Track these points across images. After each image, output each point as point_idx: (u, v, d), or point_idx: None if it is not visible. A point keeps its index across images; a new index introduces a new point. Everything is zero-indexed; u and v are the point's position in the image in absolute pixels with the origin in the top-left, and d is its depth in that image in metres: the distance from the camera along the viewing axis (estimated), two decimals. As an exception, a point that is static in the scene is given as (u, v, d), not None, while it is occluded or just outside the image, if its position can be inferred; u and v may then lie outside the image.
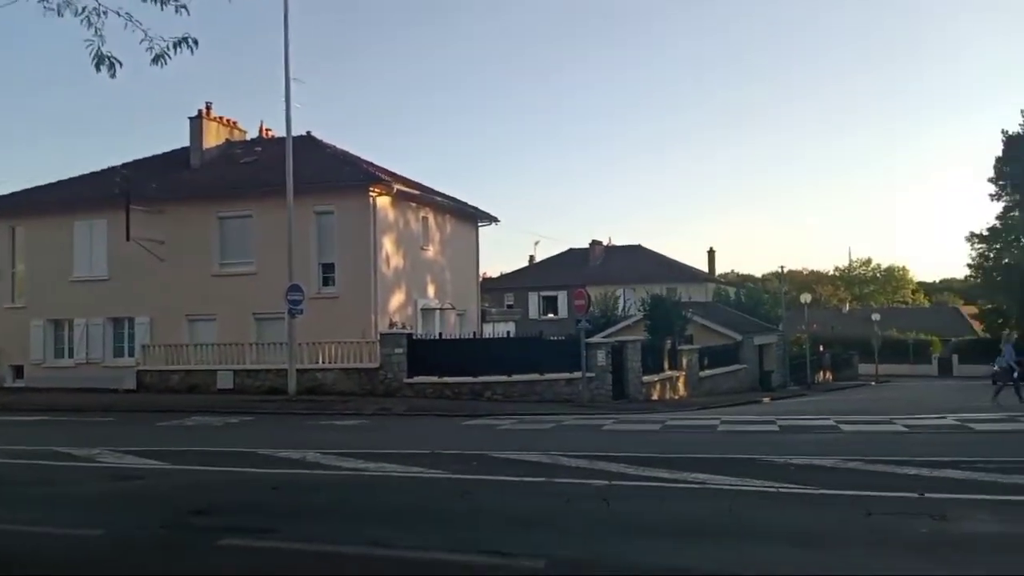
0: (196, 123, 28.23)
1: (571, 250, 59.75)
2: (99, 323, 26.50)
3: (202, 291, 25.24)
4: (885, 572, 4.97)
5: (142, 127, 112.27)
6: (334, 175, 25.33)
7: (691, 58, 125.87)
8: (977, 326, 63.67)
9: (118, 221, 24.88)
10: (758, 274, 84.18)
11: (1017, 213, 44.46)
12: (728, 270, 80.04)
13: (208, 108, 28.52)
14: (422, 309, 27.23)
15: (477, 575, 5.35)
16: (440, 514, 7.29)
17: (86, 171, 29.11)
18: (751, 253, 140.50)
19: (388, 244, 25.34)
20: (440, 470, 9.31)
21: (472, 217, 31.38)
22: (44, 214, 27.28)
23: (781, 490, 7.73)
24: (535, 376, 21.56)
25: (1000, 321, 49.93)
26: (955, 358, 63.24)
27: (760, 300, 51.97)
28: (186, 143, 28.71)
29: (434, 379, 21.80)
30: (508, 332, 29.27)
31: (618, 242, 59.23)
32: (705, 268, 59.04)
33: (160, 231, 25.45)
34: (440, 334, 25.14)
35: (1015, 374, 18.82)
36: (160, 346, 24.60)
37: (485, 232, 31.98)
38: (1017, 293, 38.04)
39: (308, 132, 27.95)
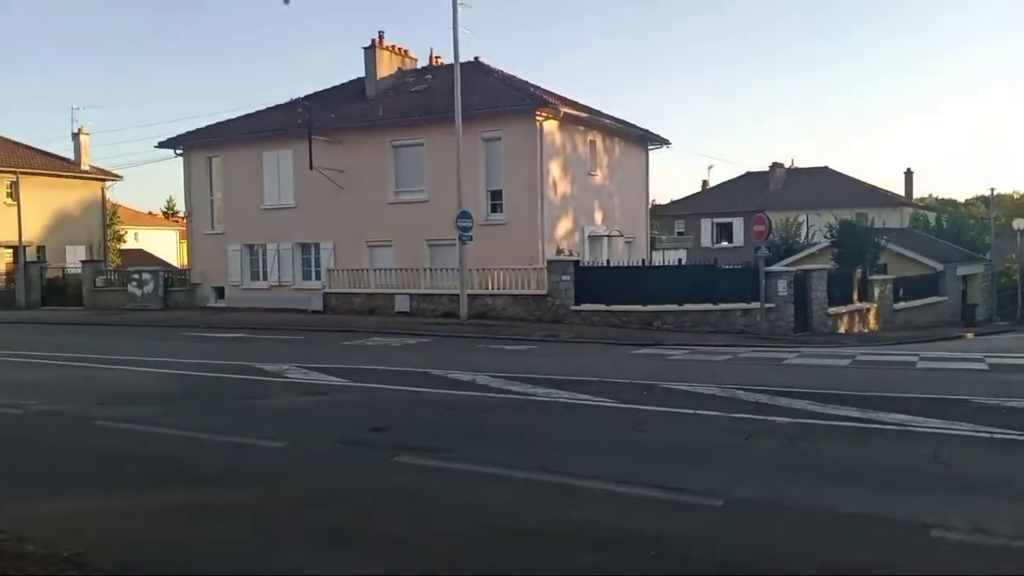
0: (370, 53, 28.89)
1: (748, 174, 56.56)
2: (288, 248, 28.34)
3: (379, 218, 26.23)
4: None
5: (318, 53, 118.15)
6: (501, 100, 25.11)
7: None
8: None
9: (302, 151, 26.24)
10: (961, 198, 76.23)
11: None
12: (926, 194, 72.92)
13: (380, 37, 29.03)
14: (589, 236, 26.83)
15: (651, 510, 5.09)
16: (611, 444, 7.08)
17: (271, 102, 30.68)
18: (953, 175, 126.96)
19: (555, 169, 25.01)
20: (609, 399, 9.09)
21: (641, 140, 30.28)
22: (236, 145, 29.17)
23: (996, 436, 6.89)
24: (708, 306, 20.69)
25: None
26: None
27: (964, 226, 47.09)
28: (360, 72, 29.56)
29: (601, 307, 21.50)
30: (679, 260, 28.14)
31: (801, 164, 55.33)
32: (901, 191, 53.97)
33: (340, 160, 26.58)
34: (608, 261, 24.67)
35: None
36: (343, 270, 25.94)
37: (655, 156, 30.80)
38: None
39: (476, 58, 27.85)
